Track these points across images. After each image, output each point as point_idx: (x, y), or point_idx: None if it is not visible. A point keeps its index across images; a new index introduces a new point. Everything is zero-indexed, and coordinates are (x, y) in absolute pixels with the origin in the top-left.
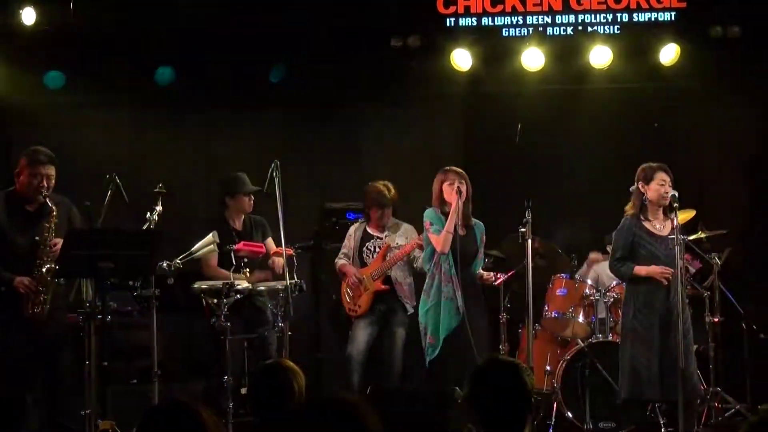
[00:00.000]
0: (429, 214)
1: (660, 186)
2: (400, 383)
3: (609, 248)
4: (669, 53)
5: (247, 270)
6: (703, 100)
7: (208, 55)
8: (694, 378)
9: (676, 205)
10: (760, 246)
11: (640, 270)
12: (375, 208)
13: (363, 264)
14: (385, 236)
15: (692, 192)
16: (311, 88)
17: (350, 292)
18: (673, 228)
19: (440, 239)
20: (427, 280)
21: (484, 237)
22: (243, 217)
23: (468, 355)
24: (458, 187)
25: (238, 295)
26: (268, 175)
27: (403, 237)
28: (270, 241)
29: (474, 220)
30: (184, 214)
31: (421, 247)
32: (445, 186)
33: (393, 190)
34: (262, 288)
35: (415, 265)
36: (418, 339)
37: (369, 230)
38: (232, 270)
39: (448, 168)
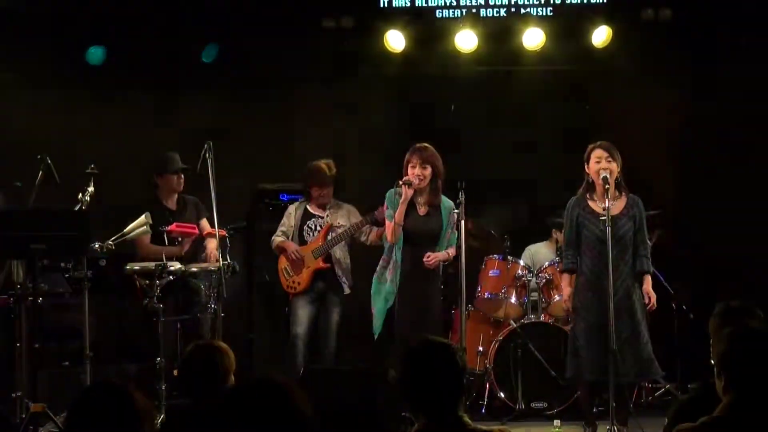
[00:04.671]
0: (388, 195)
1: (596, 164)
2: (334, 363)
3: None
4: (601, 35)
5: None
6: (634, 82)
7: (140, 34)
8: (642, 360)
9: (607, 186)
10: (689, 227)
11: (563, 282)
12: (315, 186)
13: (303, 243)
14: (327, 215)
15: (623, 173)
16: (244, 69)
17: (289, 269)
18: (623, 207)
19: (389, 230)
20: (381, 262)
21: (455, 216)
22: (176, 196)
23: (409, 336)
24: (408, 178)
25: (171, 277)
26: (201, 156)
27: (345, 217)
28: (205, 221)
29: (444, 200)
30: (116, 195)
31: (376, 223)
32: (409, 168)
33: (334, 169)
34: (195, 269)
35: (362, 239)
36: (353, 319)
37: (309, 209)
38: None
39: (416, 146)
